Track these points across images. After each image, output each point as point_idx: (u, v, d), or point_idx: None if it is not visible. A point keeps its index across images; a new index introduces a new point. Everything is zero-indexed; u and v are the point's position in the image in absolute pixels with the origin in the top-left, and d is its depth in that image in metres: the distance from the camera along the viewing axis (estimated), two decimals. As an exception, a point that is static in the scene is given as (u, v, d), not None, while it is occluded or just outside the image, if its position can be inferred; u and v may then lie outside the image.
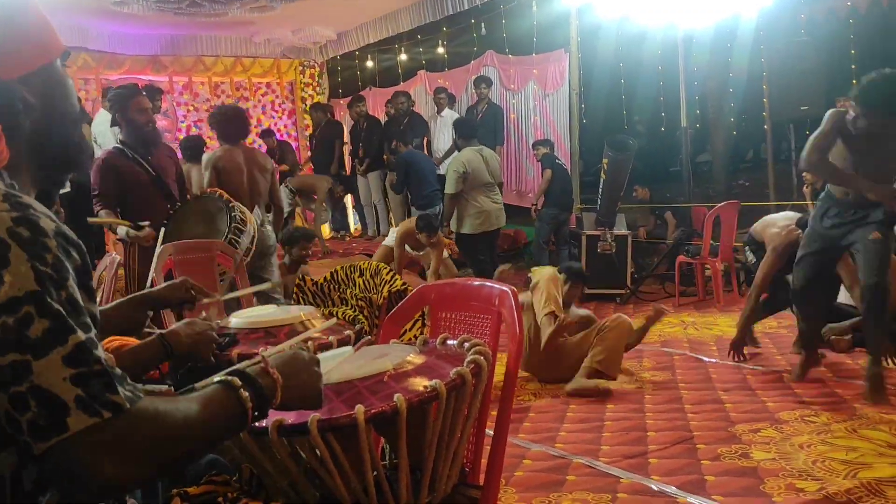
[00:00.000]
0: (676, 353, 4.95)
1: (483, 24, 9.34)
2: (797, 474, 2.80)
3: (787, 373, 4.21)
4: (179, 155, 5.83)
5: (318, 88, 11.57)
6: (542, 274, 5.73)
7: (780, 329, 5.43)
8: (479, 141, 6.72)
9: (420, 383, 1.44)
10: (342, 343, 2.16)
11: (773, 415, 3.50)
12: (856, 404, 3.54)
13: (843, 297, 5.05)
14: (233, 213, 3.44)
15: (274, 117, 11.47)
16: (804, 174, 6.81)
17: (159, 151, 4.19)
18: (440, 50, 10.50)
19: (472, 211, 6.38)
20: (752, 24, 7.99)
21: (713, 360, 4.67)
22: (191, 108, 10.74)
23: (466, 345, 1.65)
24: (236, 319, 2.29)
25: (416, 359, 1.58)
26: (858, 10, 7.68)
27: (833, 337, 4.65)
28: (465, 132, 6.59)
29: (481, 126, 8.52)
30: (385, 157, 9.22)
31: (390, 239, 6.44)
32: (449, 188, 6.42)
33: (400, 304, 1.89)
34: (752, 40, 8.20)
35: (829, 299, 4.35)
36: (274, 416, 1.31)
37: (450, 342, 1.72)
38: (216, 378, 1.13)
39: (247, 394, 1.10)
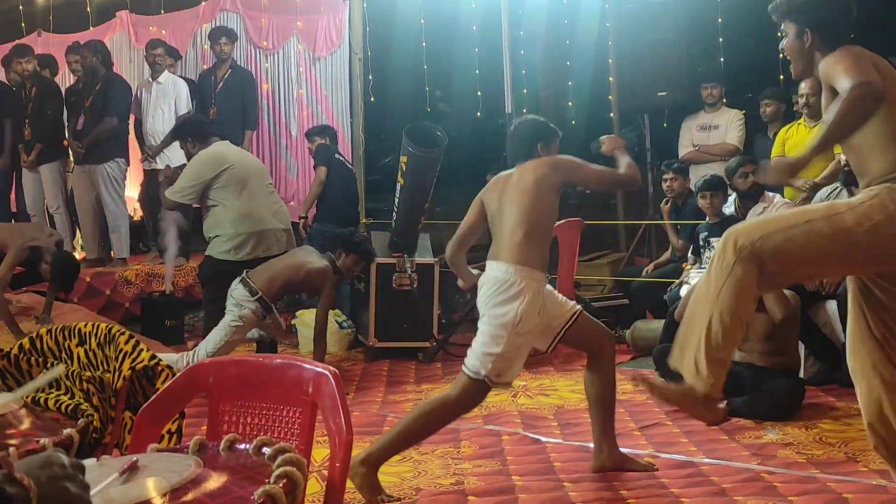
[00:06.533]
0: (506, 431, 5.27)
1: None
2: None
3: (649, 456, 4.66)
4: None
5: (-51, 31, 10.93)
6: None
7: (635, 394, 5.96)
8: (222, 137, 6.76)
9: (213, 512, 1.51)
10: (61, 447, 2.16)
11: (636, 514, 3.89)
12: (737, 496, 4.02)
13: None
14: None
15: None
16: (665, 180, 7.52)
17: None
18: (153, -20, 10.39)
19: (244, 228, 6.36)
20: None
21: (555, 441, 5.04)
22: None
23: (267, 450, 1.74)
24: None
25: (198, 475, 1.64)
26: (726, -35, 8.58)
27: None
28: (199, 132, 6.59)
29: (223, 100, 8.53)
30: (66, 141, 8.93)
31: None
32: (178, 193, 6.40)
33: (161, 391, 1.94)
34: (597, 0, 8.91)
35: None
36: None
37: (240, 447, 1.80)
38: None
39: None
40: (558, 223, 7.43)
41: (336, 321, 7.62)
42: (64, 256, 7.26)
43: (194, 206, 6.94)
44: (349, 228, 6.77)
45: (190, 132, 6.67)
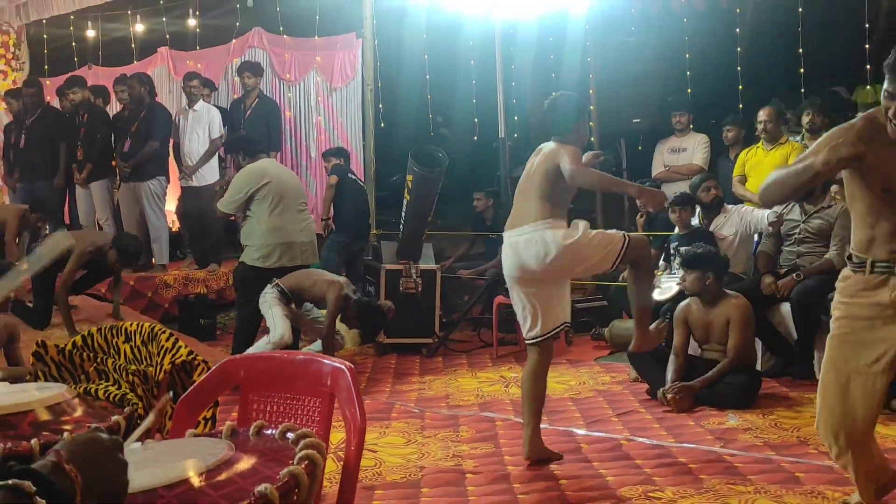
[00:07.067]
0: (499, 417, 5.29)
1: (250, -9, 9.40)
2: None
3: (624, 440, 4.67)
4: None
5: (14, 63, 10.90)
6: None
7: (613, 385, 5.96)
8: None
9: (244, 489, 1.51)
10: (109, 432, 2.16)
11: (614, 491, 3.88)
12: (702, 475, 4.02)
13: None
14: None
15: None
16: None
17: None
18: (190, 21, 10.36)
19: (273, 239, 6.36)
20: (581, 18, 8.70)
21: (542, 426, 5.03)
22: None
23: (291, 435, 1.74)
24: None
25: (231, 457, 1.64)
26: (695, 6, 8.59)
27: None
28: (250, 149, 6.60)
29: (251, 126, 8.57)
30: (114, 162, 8.95)
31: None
32: (225, 204, 6.43)
33: (198, 383, 1.95)
34: (580, 37, 8.93)
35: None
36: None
37: (267, 432, 1.80)
38: None
39: (43, 502, 1.09)
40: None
41: (350, 320, 7.63)
42: (120, 237, 7.29)
43: (231, 219, 6.96)
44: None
45: (242, 147, 6.75)
